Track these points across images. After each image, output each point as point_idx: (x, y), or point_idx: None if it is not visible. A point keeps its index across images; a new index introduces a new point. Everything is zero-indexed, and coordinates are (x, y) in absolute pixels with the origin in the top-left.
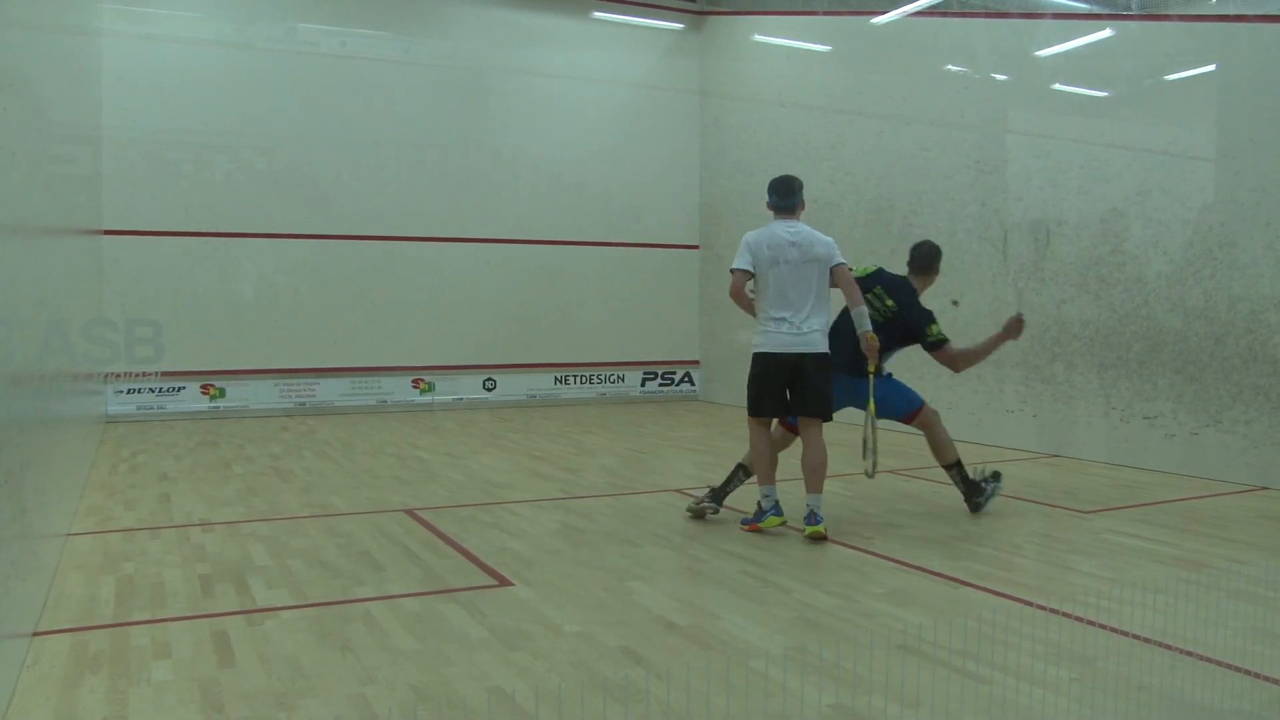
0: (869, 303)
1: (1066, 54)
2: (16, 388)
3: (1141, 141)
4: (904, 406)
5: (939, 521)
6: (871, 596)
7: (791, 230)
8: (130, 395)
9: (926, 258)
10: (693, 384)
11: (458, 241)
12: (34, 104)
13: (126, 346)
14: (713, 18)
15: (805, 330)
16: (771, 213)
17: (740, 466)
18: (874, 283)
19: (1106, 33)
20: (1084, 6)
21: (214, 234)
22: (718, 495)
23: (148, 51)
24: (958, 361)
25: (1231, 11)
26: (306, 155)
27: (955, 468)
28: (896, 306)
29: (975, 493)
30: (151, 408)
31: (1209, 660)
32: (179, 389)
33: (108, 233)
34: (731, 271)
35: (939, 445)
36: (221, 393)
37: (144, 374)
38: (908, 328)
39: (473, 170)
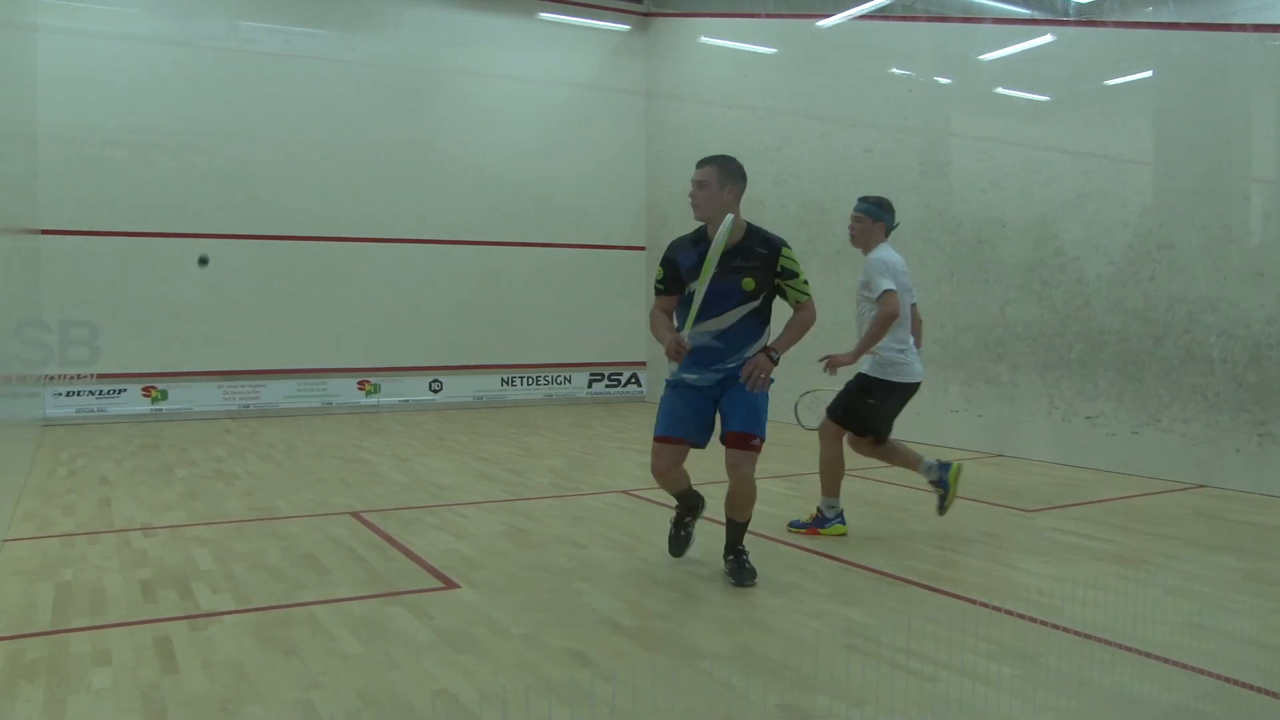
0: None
1: (1007, 58)
2: None
3: (1081, 145)
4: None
5: (883, 521)
6: (817, 596)
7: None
8: (69, 398)
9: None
10: (639, 385)
11: (404, 242)
12: None
13: (61, 348)
14: (658, 19)
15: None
16: (884, 233)
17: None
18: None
19: (1047, 38)
20: (1024, 11)
21: (154, 234)
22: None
23: (85, 48)
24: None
25: (1166, 19)
26: (248, 155)
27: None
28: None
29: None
30: (91, 410)
31: (1147, 655)
32: (119, 391)
33: (45, 232)
34: (887, 295)
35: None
36: (163, 395)
37: (79, 376)
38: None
39: (418, 171)
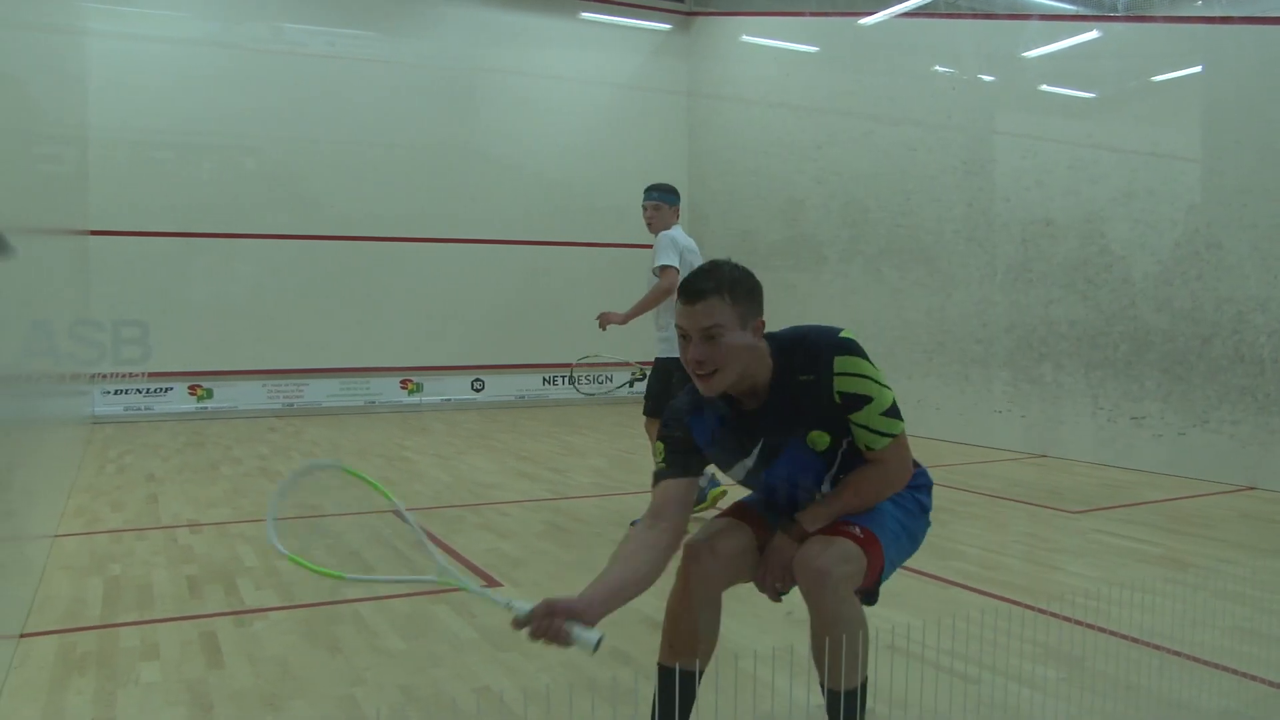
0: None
1: (1053, 55)
2: (1, 389)
3: (1127, 143)
4: None
5: None
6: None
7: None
8: (117, 396)
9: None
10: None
11: (446, 242)
12: (18, 103)
13: (113, 347)
14: (700, 18)
15: None
16: (675, 216)
17: None
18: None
19: (1093, 34)
20: (1070, 8)
21: (201, 234)
22: None
23: (133, 51)
24: None
25: (1217, 14)
26: (294, 155)
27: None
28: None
29: None
30: (139, 408)
31: (1196, 659)
32: (166, 390)
33: (94, 233)
34: (665, 269)
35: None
36: (209, 393)
37: (131, 374)
38: None
39: (460, 171)
